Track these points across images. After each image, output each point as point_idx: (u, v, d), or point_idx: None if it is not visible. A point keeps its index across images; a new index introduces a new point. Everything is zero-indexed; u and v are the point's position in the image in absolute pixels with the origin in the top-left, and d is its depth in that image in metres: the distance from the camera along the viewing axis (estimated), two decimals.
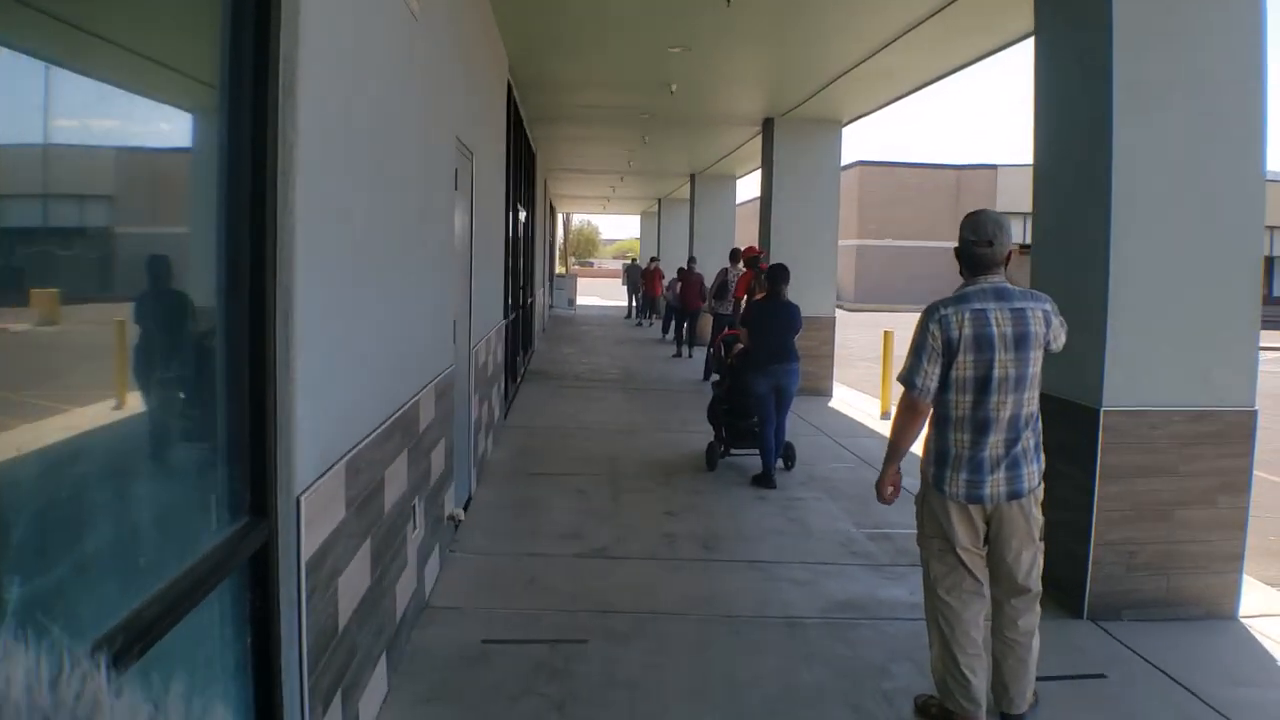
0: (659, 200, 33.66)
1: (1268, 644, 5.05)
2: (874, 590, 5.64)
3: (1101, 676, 4.59)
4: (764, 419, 8.29)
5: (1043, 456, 3.92)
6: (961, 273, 3.91)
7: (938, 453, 3.89)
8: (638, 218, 44.77)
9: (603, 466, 8.81)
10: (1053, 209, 5.80)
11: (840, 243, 51.64)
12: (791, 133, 13.99)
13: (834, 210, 14.18)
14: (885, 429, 11.41)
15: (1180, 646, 4.97)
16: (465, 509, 7.24)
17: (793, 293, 13.70)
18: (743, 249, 13.20)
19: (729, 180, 23.94)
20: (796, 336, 8.43)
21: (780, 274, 8.52)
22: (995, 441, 3.77)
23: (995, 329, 3.75)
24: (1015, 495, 3.79)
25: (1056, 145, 5.79)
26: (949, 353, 3.78)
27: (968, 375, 3.77)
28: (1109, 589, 5.28)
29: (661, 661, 4.64)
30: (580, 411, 12.13)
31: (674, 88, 11.77)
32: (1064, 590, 5.49)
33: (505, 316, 11.31)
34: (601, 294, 48.84)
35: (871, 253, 47.46)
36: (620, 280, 42.27)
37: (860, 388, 15.18)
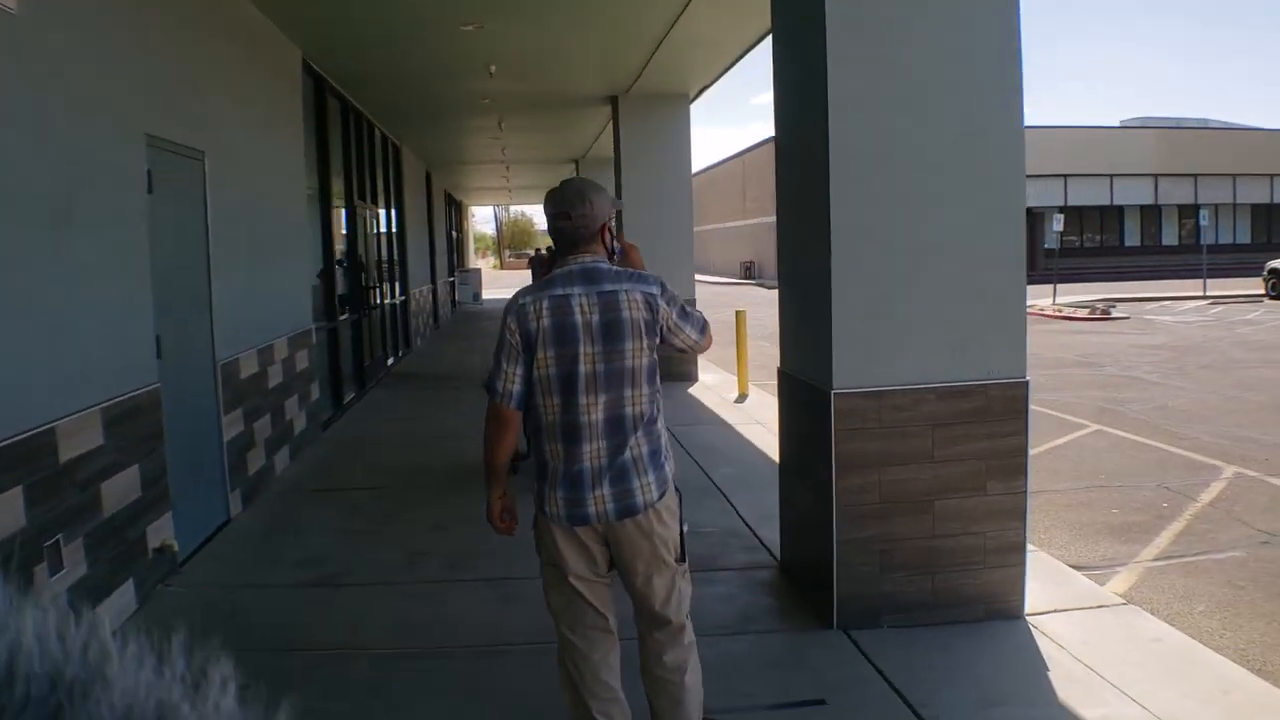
0: None
1: (1047, 646, 4.46)
2: None
3: (819, 703, 3.98)
4: None
5: (669, 464, 3.28)
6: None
7: (538, 467, 3.26)
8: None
9: (398, 478, 8.11)
10: (787, 179, 5.22)
11: (759, 221, 51.41)
12: (638, 109, 13.36)
13: (687, 187, 13.59)
14: (736, 415, 10.93)
15: (938, 657, 4.39)
16: (215, 534, 6.53)
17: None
18: None
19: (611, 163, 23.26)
20: None
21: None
22: (593, 451, 3.13)
23: (579, 317, 3.12)
24: (628, 512, 3.15)
25: (785, 107, 5.20)
26: (529, 348, 3.15)
27: (551, 373, 3.14)
28: (861, 592, 4.68)
29: (316, 708, 3.96)
30: (417, 417, 11.42)
31: (492, 69, 11.05)
32: (813, 597, 4.90)
33: (319, 321, 10.54)
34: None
35: None
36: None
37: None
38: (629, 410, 3.14)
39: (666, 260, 13.21)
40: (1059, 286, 26.27)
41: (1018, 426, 4.74)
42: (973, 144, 4.62)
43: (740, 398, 11.86)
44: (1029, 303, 19.68)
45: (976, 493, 4.71)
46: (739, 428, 10.10)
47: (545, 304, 3.13)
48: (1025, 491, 4.77)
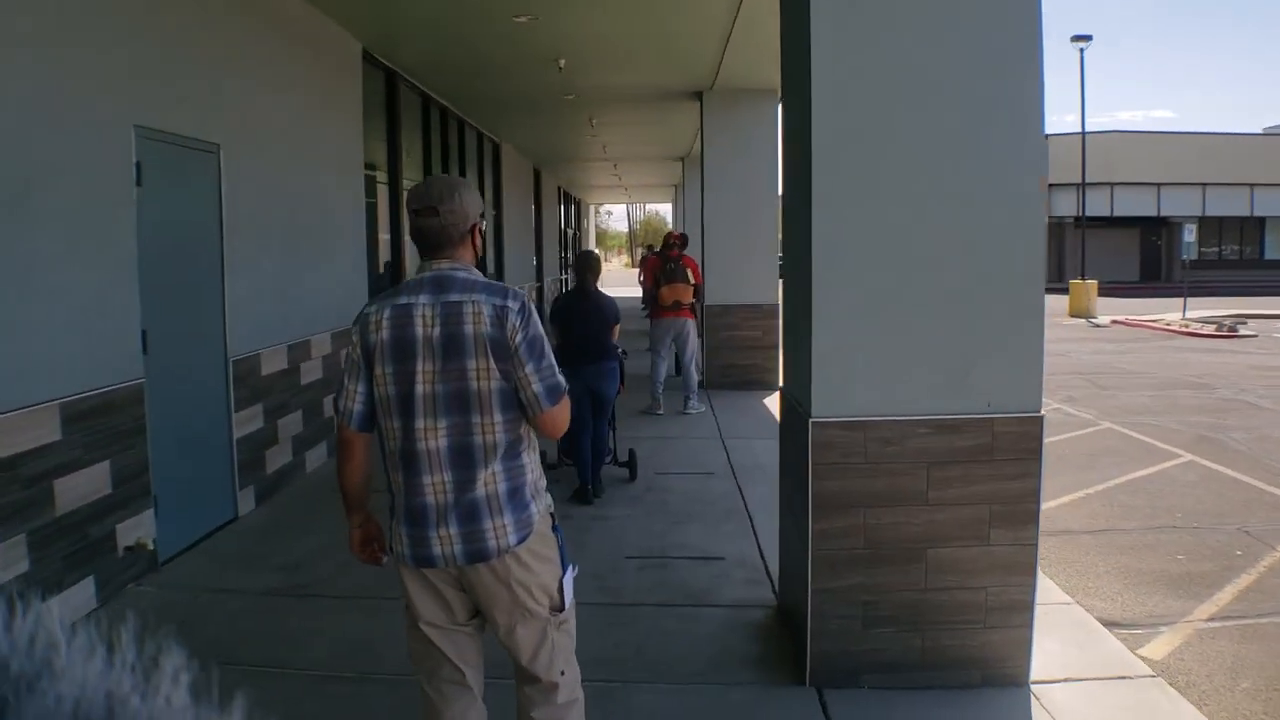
0: (674, 186, 32.65)
1: None
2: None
3: None
4: (577, 426, 7.26)
5: (537, 503, 2.87)
6: None
7: (389, 499, 2.90)
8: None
9: None
10: (785, 177, 4.75)
11: None
12: (722, 106, 12.87)
13: (771, 190, 12.98)
14: None
15: None
16: (214, 533, 6.38)
17: (728, 280, 12.77)
18: (676, 234, 12.15)
19: None
20: (615, 329, 7.32)
21: (584, 262, 7.46)
22: (436, 484, 2.76)
23: (419, 330, 2.76)
24: (479, 556, 2.76)
25: (786, 94, 4.72)
26: (369, 363, 2.81)
27: (390, 392, 2.79)
28: (839, 648, 4.17)
29: None
30: None
31: (561, 63, 10.75)
32: (788, 648, 4.42)
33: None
34: None
35: None
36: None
37: None
38: (477, 439, 2.76)
39: (749, 264, 12.76)
40: (1192, 300, 24.66)
41: (1028, 468, 4.14)
42: (979, 139, 4.04)
43: None
44: (1154, 317, 18.43)
45: (977, 542, 4.14)
46: None
47: (386, 314, 2.79)
48: (1035, 543, 4.17)
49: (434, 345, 2.74)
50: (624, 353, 7.84)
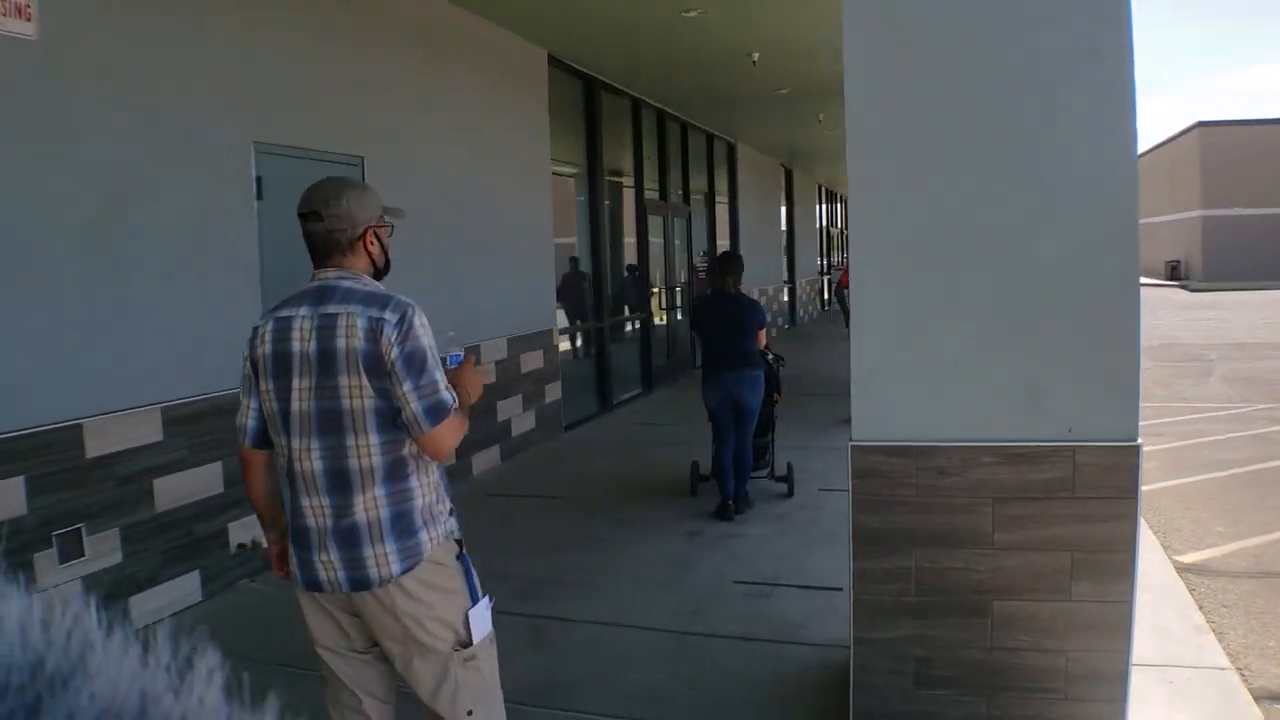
0: None
1: None
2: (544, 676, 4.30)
3: None
4: (719, 438, 6.89)
5: (430, 530, 2.65)
6: None
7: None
8: None
9: (576, 487, 7.77)
10: None
11: (1182, 215, 47.12)
12: None
13: None
14: None
15: None
16: None
17: None
18: None
19: None
20: (760, 334, 6.87)
21: (727, 263, 7.01)
22: (315, 507, 2.61)
23: (297, 344, 2.60)
24: (360, 584, 2.59)
25: None
26: (257, 378, 2.68)
27: (274, 409, 2.65)
28: (886, 708, 3.63)
29: None
30: (670, 423, 10.87)
31: (755, 57, 10.39)
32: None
33: (581, 321, 10.69)
34: None
35: (1220, 224, 41.72)
36: None
37: None
38: (352, 463, 2.57)
39: None
40: None
41: (1121, 509, 3.42)
42: (1051, 107, 3.40)
43: None
44: None
45: (1055, 596, 3.47)
46: None
47: (270, 327, 2.66)
48: (1129, 601, 3.45)
49: (310, 360, 2.58)
50: (778, 359, 7.40)
